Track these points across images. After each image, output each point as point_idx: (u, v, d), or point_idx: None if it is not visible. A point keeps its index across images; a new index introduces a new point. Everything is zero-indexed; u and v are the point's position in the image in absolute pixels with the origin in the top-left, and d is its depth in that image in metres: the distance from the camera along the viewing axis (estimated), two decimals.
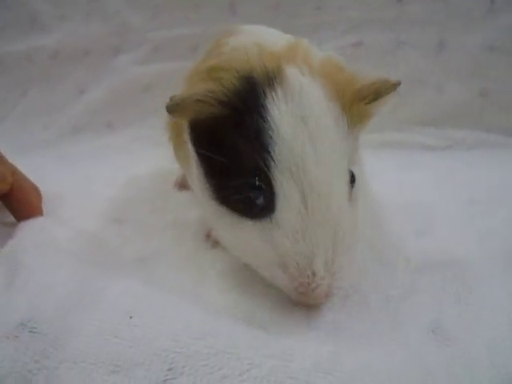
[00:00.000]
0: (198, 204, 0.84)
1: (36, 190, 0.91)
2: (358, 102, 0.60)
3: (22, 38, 1.65)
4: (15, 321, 0.55)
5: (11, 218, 0.86)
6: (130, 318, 0.54)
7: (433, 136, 1.38)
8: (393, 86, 0.64)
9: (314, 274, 0.55)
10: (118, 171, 1.23)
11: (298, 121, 0.56)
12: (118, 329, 0.53)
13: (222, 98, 0.58)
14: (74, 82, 1.64)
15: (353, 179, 0.61)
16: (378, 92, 0.62)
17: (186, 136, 0.68)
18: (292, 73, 0.59)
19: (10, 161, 0.87)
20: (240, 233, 0.60)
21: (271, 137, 0.56)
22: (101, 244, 0.81)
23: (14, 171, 0.86)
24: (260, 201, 0.57)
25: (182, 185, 1.07)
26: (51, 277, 0.63)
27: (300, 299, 0.58)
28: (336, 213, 0.56)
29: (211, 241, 0.80)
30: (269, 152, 0.56)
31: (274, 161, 0.56)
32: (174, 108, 0.60)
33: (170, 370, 0.49)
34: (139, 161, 1.32)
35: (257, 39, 0.69)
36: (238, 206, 0.59)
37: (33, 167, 1.27)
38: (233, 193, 0.58)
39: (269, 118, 0.56)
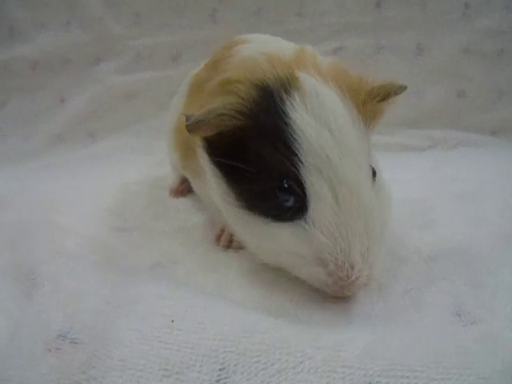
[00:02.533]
0: (208, 207, 0.85)
1: None
2: (370, 101, 0.64)
3: None
4: (53, 332, 0.54)
5: None
6: (172, 321, 0.55)
7: (414, 137, 1.44)
8: (401, 88, 0.69)
9: (352, 267, 0.58)
10: (104, 180, 1.22)
11: (319, 122, 0.59)
12: (162, 334, 0.53)
13: (242, 110, 0.60)
14: (55, 92, 1.61)
15: (374, 173, 0.64)
16: (387, 92, 0.66)
17: (199, 149, 0.69)
18: (305, 78, 0.62)
19: None
20: (271, 236, 0.62)
21: (295, 139, 0.58)
22: (110, 250, 0.81)
23: None
24: (290, 203, 0.60)
25: (178, 191, 1.08)
26: (81, 286, 0.62)
27: (338, 292, 0.60)
28: (367, 205, 0.59)
29: (223, 243, 0.81)
30: (295, 154, 0.58)
31: (301, 162, 0.58)
32: (195, 126, 0.62)
33: (222, 369, 0.49)
34: (126, 168, 1.32)
35: (263, 48, 0.72)
36: (268, 210, 0.61)
37: (15, 178, 1.25)
38: (262, 198, 0.61)
39: (291, 123, 0.59)
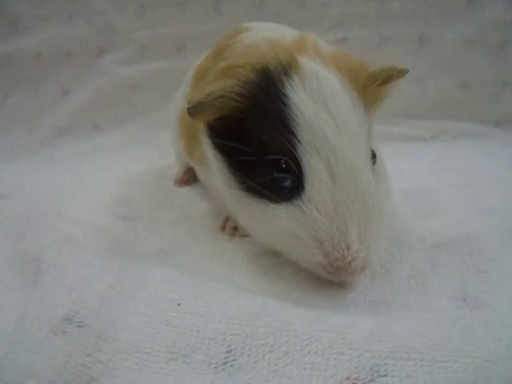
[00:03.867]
0: (214, 196, 0.85)
1: None
2: (371, 85, 0.63)
3: (2, 40, 1.61)
4: (58, 316, 0.54)
5: None
6: (178, 305, 0.55)
7: (418, 128, 1.44)
8: (402, 72, 0.68)
9: (348, 248, 0.57)
10: (109, 170, 1.23)
11: (318, 103, 0.59)
12: (168, 317, 0.53)
13: (241, 92, 0.61)
14: (58, 84, 1.61)
15: (374, 156, 0.64)
16: (388, 76, 0.66)
17: (203, 135, 0.69)
18: (305, 61, 0.62)
19: None
20: (269, 217, 0.62)
21: (294, 119, 0.59)
22: (116, 239, 0.81)
23: None
24: (288, 182, 0.60)
25: (183, 181, 1.08)
26: (86, 271, 0.62)
27: (334, 274, 0.59)
28: (364, 184, 0.58)
29: (228, 231, 0.81)
30: (293, 134, 0.59)
31: (299, 141, 0.58)
32: (196, 109, 0.62)
33: (228, 352, 0.49)
34: (129, 160, 1.33)
35: (266, 35, 0.72)
36: (265, 191, 0.61)
37: (22, 170, 1.25)
38: (260, 179, 0.60)
39: (290, 103, 0.59)
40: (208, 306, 0.54)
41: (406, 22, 1.46)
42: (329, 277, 0.61)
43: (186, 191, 1.04)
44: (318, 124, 0.58)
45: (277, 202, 0.61)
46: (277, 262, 0.68)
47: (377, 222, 0.60)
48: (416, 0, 1.46)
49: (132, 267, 0.62)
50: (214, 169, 0.69)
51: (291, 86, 0.60)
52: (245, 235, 0.78)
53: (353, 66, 0.64)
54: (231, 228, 0.81)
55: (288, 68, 0.61)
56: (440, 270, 0.67)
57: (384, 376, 0.45)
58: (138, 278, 0.60)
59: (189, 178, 1.06)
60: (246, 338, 0.50)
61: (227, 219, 0.82)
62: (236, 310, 0.53)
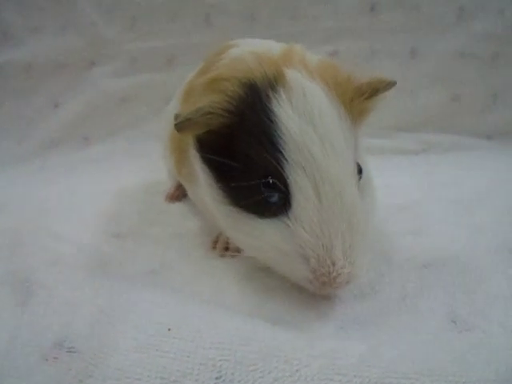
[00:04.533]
0: (203, 213, 0.85)
1: None
2: (358, 98, 0.64)
3: None
4: (49, 341, 0.54)
5: None
6: (169, 330, 0.55)
7: (409, 140, 1.45)
8: (390, 84, 0.68)
9: (333, 264, 0.58)
10: (99, 184, 1.22)
11: (304, 119, 0.59)
12: (158, 342, 0.53)
13: (229, 108, 0.61)
14: (49, 96, 1.60)
15: (360, 170, 0.64)
16: (375, 89, 0.66)
17: (192, 150, 0.70)
18: (292, 75, 0.62)
19: None
20: (257, 232, 0.62)
21: (280, 137, 0.59)
22: (106, 258, 0.81)
23: None
24: (275, 199, 0.60)
25: (174, 197, 1.08)
26: (76, 294, 0.62)
27: (320, 289, 0.60)
28: (349, 201, 0.59)
29: (219, 250, 0.81)
30: (279, 151, 0.59)
31: (285, 159, 0.59)
32: (183, 125, 0.62)
33: (218, 378, 0.50)
34: (120, 173, 1.32)
35: (253, 48, 0.72)
36: (253, 206, 0.61)
37: (10, 182, 1.24)
38: (248, 195, 0.61)
39: (276, 120, 0.59)
40: (198, 330, 0.54)
41: (397, 34, 1.47)
42: (315, 290, 0.62)
43: (178, 207, 1.04)
44: (303, 142, 0.59)
45: (265, 217, 0.61)
46: (267, 283, 0.69)
47: (362, 238, 0.60)
48: (407, 12, 1.47)
49: (122, 290, 0.62)
50: (202, 184, 0.69)
51: (277, 101, 0.60)
52: (235, 254, 0.79)
53: (340, 78, 0.64)
54: (222, 246, 0.81)
55: (274, 82, 0.61)
56: (430, 291, 0.67)
57: None
58: (128, 301, 0.59)
59: (180, 193, 1.06)
60: (236, 364, 0.50)
61: (218, 237, 0.83)
62: (226, 335, 0.53)
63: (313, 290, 0.62)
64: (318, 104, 0.60)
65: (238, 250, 0.79)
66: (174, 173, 0.98)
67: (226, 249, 0.80)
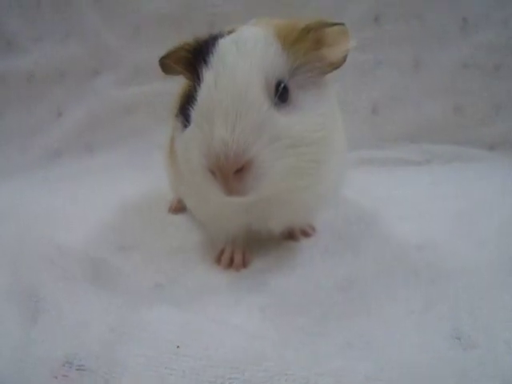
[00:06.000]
0: (205, 226, 0.86)
1: None
2: (304, 35, 0.67)
3: None
4: (59, 359, 0.55)
5: None
6: (178, 347, 0.55)
7: (412, 151, 1.45)
8: (335, 23, 0.70)
9: (213, 138, 0.61)
10: (103, 194, 1.22)
11: (233, 43, 0.66)
12: (167, 359, 0.54)
13: (192, 44, 0.72)
14: (52, 105, 1.60)
15: (283, 89, 0.65)
16: (321, 24, 0.68)
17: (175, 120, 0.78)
18: (243, 27, 0.71)
19: None
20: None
21: (212, 56, 0.66)
22: (113, 272, 0.81)
23: None
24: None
25: (177, 209, 1.09)
26: (86, 312, 0.62)
27: (224, 185, 0.62)
28: (241, 86, 0.62)
29: (222, 264, 0.82)
30: (206, 65, 0.66)
31: (206, 66, 0.66)
32: (165, 61, 0.76)
33: None
34: (124, 183, 1.32)
35: None
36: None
37: (14, 191, 1.25)
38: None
39: (215, 48, 0.66)
40: (207, 348, 0.55)
41: (401, 45, 1.47)
42: (223, 193, 0.63)
43: (181, 219, 1.04)
44: (223, 53, 0.65)
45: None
46: (272, 299, 0.70)
47: (252, 123, 0.61)
48: (411, 23, 1.47)
49: (131, 308, 0.63)
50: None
51: (223, 38, 0.67)
52: (240, 269, 0.80)
53: (289, 25, 0.69)
54: (227, 260, 0.82)
55: (229, 33, 0.69)
56: (434, 307, 0.67)
57: None
58: (137, 318, 0.60)
59: (183, 205, 1.06)
60: (244, 382, 0.51)
61: (222, 252, 0.84)
62: (235, 354, 0.54)
63: (223, 192, 0.63)
64: (249, 35, 0.67)
65: (244, 265, 0.81)
66: (174, 187, 1.00)
67: (231, 263, 0.81)
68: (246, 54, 0.64)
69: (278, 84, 0.65)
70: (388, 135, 1.47)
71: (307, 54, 0.68)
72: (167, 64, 0.76)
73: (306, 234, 0.90)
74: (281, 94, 0.65)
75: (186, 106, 0.70)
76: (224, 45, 0.66)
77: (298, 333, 0.63)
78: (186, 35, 1.50)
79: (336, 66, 0.72)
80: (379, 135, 1.46)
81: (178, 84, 0.91)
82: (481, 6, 1.46)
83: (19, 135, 1.60)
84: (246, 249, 0.84)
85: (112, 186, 1.30)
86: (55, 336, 0.58)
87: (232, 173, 0.60)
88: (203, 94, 0.64)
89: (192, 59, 0.71)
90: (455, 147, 1.44)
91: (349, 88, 1.44)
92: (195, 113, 0.65)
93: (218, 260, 0.83)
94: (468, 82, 1.47)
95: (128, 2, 1.57)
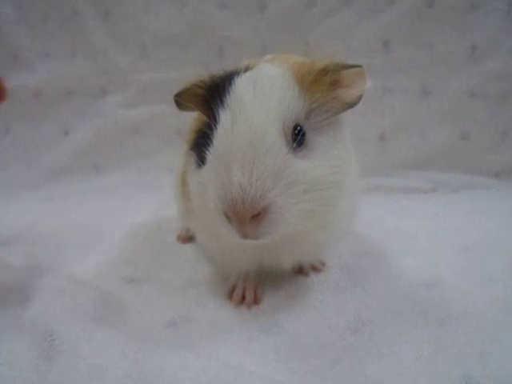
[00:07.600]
0: (215, 259, 0.87)
1: None
2: (322, 77, 0.68)
3: (3, 75, 1.56)
4: None
5: None
6: None
7: (418, 179, 1.46)
8: (353, 65, 0.71)
9: (232, 183, 0.61)
10: (110, 217, 1.23)
11: (250, 82, 0.66)
12: None
13: (206, 81, 0.72)
14: (58, 123, 1.60)
15: (301, 133, 0.66)
16: (339, 66, 0.69)
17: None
18: (261, 64, 0.71)
19: None
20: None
21: (229, 95, 0.66)
22: (125, 307, 0.81)
23: None
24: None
25: (187, 238, 1.09)
26: (102, 355, 0.62)
27: (240, 228, 0.62)
28: (259, 130, 0.62)
29: (234, 300, 0.82)
30: (223, 105, 0.66)
31: (222, 106, 0.66)
32: (180, 98, 0.75)
33: None
34: (130, 205, 1.33)
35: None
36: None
37: (20, 210, 1.24)
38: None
39: (231, 88, 0.67)
40: None
41: (409, 72, 1.48)
42: (240, 237, 0.64)
43: (191, 249, 1.04)
44: (240, 92, 0.65)
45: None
46: (286, 341, 0.70)
47: (269, 168, 0.61)
48: (419, 50, 1.47)
49: (148, 353, 0.63)
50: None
51: (239, 76, 0.68)
52: (251, 305, 0.80)
53: (306, 65, 0.70)
54: (239, 296, 0.82)
55: (245, 70, 0.70)
56: (445, 351, 0.68)
57: None
58: (154, 364, 0.60)
59: (191, 234, 1.06)
60: None
61: (234, 287, 0.84)
62: None
63: (239, 235, 0.63)
64: (267, 76, 0.67)
65: (256, 302, 0.82)
66: (184, 218, 0.99)
67: (242, 299, 0.82)
68: (264, 97, 0.65)
69: (295, 127, 0.66)
70: (395, 163, 1.48)
71: (324, 95, 0.68)
72: (181, 101, 0.76)
73: (316, 269, 0.90)
74: (298, 137, 0.65)
75: (200, 142, 0.70)
76: (241, 85, 0.66)
77: (313, 377, 0.63)
78: (194, 57, 1.53)
79: (351, 105, 0.72)
80: (386, 162, 1.47)
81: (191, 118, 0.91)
82: (489, 35, 1.46)
83: (25, 152, 1.60)
84: (258, 285, 0.84)
85: (119, 207, 1.31)
86: (72, 380, 0.59)
87: (248, 218, 0.61)
88: (220, 137, 0.65)
89: (207, 97, 0.71)
90: (461, 175, 1.45)
91: (357, 115, 1.43)
92: (212, 155, 0.65)
93: (230, 296, 0.83)
94: (474, 110, 1.47)
95: (136, 20, 1.57)
